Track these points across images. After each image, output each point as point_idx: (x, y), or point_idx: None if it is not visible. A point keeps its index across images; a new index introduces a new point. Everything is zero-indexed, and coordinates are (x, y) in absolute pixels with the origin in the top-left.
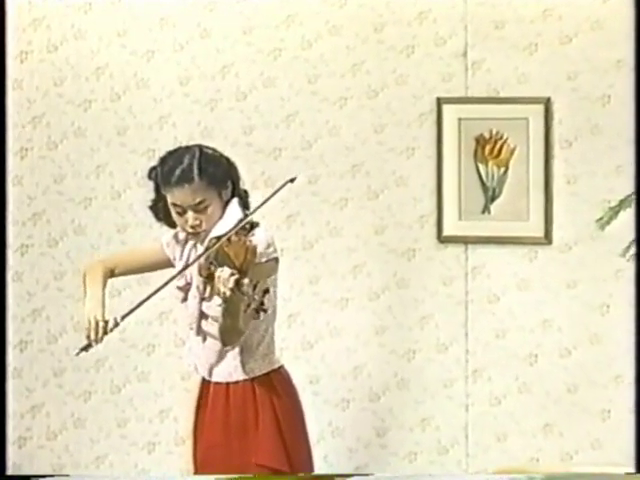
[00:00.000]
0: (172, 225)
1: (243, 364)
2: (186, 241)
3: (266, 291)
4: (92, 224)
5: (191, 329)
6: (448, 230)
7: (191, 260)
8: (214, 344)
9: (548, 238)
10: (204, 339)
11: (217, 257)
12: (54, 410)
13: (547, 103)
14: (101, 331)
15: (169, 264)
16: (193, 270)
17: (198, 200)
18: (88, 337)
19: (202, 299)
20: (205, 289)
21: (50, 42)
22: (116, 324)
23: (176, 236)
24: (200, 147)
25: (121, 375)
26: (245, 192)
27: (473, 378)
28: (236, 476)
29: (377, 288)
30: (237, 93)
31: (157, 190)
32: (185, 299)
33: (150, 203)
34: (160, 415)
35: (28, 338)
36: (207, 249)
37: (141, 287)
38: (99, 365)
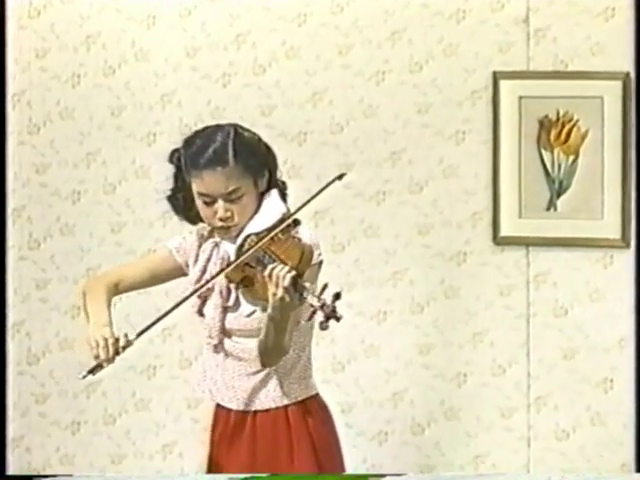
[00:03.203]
0: (192, 220)
1: (276, 389)
2: (200, 242)
3: (337, 296)
4: (81, 222)
5: (208, 345)
6: (506, 230)
7: (212, 262)
8: (238, 365)
9: (625, 240)
10: (224, 358)
11: (261, 258)
12: (36, 444)
13: (625, 79)
14: (112, 349)
15: (181, 272)
16: (214, 272)
17: (232, 188)
18: (97, 357)
19: (225, 309)
20: (229, 297)
21: (32, 6)
22: (129, 343)
23: (185, 239)
24: (235, 127)
25: (116, 402)
26: (283, 183)
27: (536, 407)
28: (249, 476)
29: (421, 299)
30: (254, 66)
31: (177, 177)
32: (202, 309)
33: (169, 193)
34: (163, 450)
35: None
36: (247, 248)
37: (140, 295)
38: (90, 390)
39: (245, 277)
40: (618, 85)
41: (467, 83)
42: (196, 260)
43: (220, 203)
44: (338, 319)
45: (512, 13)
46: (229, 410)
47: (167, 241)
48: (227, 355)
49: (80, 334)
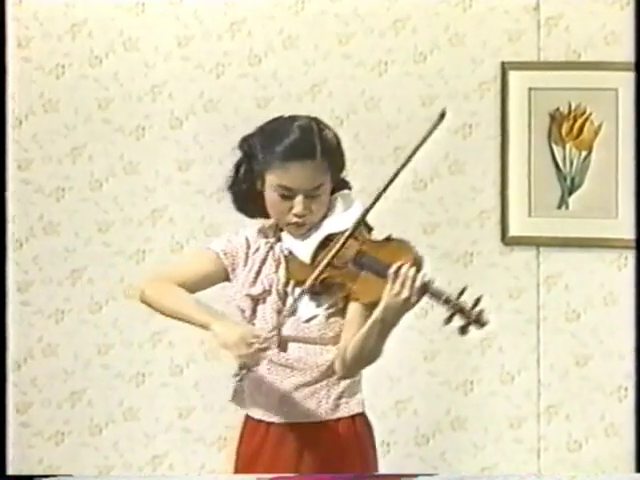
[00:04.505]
0: (251, 214)
1: (328, 402)
2: (248, 244)
3: (478, 300)
4: (66, 221)
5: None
6: (515, 229)
7: (268, 263)
8: (287, 372)
9: None
10: (270, 368)
11: (359, 260)
12: (18, 456)
13: (639, 70)
14: (263, 347)
15: (224, 276)
16: (270, 274)
17: (317, 183)
18: (241, 357)
19: (280, 314)
20: (286, 300)
21: None
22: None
23: (231, 241)
24: (315, 120)
25: (103, 412)
26: (345, 182)
27: (547, 416)
28: (276, 475)
29: (426, 302)
30: (250, 56)
31: (241, 166)
32: (254, 314)
33: (229, 182)
34: (152, 462)
35: None
36: (338, 246)
37: (129, 299)
38: (75, 399)
39: (325, 279)
40: (632, 77)
41: (474, 74)
42: (246, 262)
43: (299, 198)
44: (483, 324)
45: (522, 0)
46: (269, 423)
47: (210, 244)
48: (274, 364)
49: (64, 339)
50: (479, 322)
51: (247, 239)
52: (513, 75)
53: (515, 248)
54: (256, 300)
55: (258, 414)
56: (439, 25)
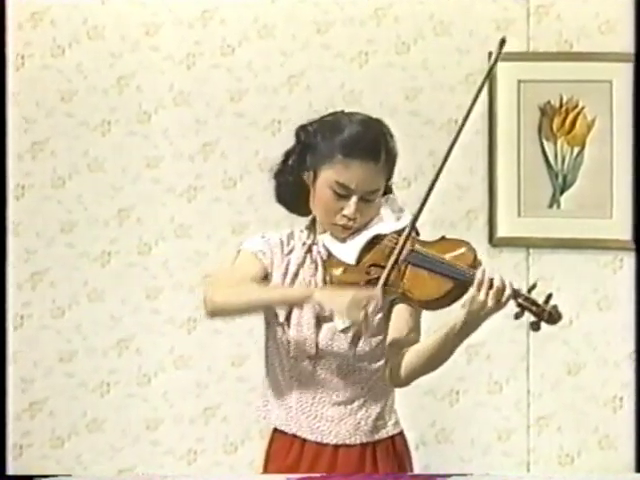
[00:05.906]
0: (292, 208)
1: (367, 422)
2: (282, 245)
3: (550, 296)
4: (27, 221)
5: (293, 362)
6: (504, 230)
7: (306, 266)
8: (321, 391)
9: (638, 241)
10: (302, 382)
11: (415, 257)
12: None
13: (637, 61)
14: (375, 310)
15: (264, 277)
16: (308, 277)
17: (375, 187)
18: (357, 331)
19: (319, 321)
20: (324, 310)
21: None
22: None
23: (267, 241)
24: (377, 119)
25: (65, 423)
26: (390, 188)
27: (537, 428)
28: (305, 475)
29: None
30: (223, 46)
31: (290, 154)
32: (288, 319)
33: (276, 170)
34: (118, 475)
35: None
36: (389, 247)
37: (93, 303)
38: (35, 409)
39: (369, 280)
40: (629, 68)
41: (460, 65)
42: (282, 261)
43: (354, 199)
44: (556, 321)
45: None
46: (303, 440)
47: (242, 244)
48: (308, 378)
49: (24, 346)
50: (552, 318)
51: (281, 239)
52: (501, 66)
53: (504, 250)
54: (288, 311)
55: (292, 429)
56: (423, 13)
